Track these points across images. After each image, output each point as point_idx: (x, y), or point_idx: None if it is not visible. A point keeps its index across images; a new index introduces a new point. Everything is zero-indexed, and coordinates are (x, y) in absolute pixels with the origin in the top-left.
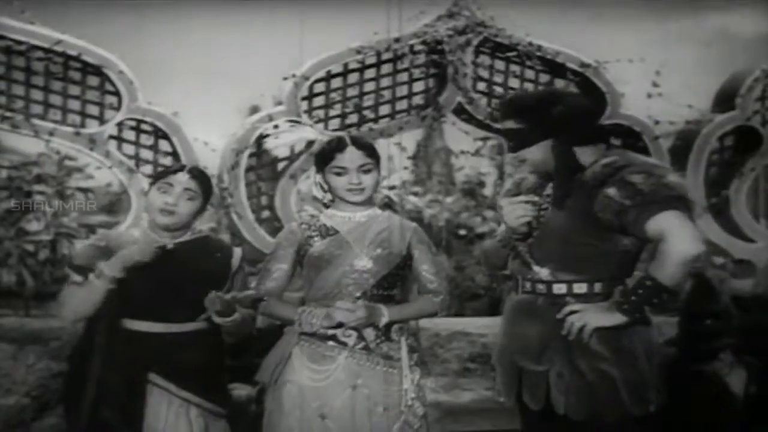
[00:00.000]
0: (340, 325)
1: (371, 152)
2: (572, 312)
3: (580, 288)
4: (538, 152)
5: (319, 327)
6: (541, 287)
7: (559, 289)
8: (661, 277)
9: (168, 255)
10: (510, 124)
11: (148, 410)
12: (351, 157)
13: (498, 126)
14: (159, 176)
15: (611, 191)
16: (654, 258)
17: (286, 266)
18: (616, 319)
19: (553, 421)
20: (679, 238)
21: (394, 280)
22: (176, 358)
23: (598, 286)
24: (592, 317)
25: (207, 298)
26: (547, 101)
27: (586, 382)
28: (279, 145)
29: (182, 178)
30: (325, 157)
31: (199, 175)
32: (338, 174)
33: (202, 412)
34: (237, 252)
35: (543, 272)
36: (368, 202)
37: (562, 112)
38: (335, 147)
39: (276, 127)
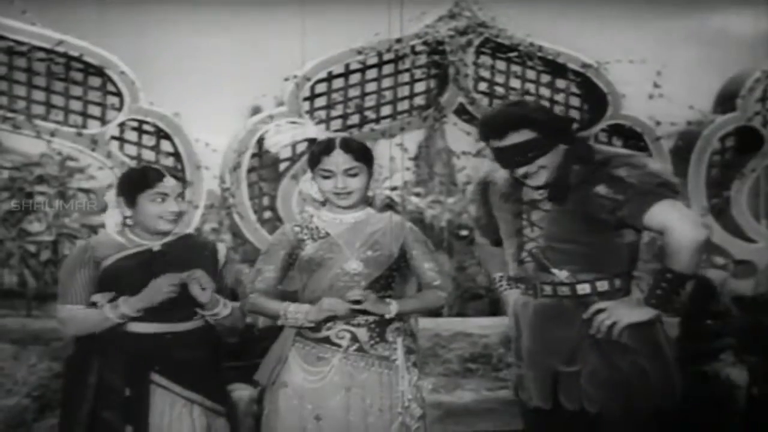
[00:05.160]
0: (328, 320)
1: (360, 155)
2: (599, 311)
3: (603, 286)
4: (556, 157)
5: (304, 321)
6: (564, 289)
7: (583, 289)
8: (680, 268)
9: (156, 256)
10: (524, 135)
11: (152, 410)
12: (337, 160)
13: (504, 143)
14: (139, 187)
15: (602, 189)
16: (666, 252)
17: (275, 268)
18: (647, 313)
19: (581, 421)
20: (682, 228)
21: (388, 282)
22: (177, 357)
23: (618, 282)
24: (622, 314)
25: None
26: (539, 108)
27: (622, 378)
28: (280, 141)
29: (170, 183)
30: (313, 159)
31: (178, 175)
32: (325, 177)
33: (204, 410)
34: (221, 246)
35: (562, 274)
36: (360, 204)
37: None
38: (322, 150)
39: (278, 126)
